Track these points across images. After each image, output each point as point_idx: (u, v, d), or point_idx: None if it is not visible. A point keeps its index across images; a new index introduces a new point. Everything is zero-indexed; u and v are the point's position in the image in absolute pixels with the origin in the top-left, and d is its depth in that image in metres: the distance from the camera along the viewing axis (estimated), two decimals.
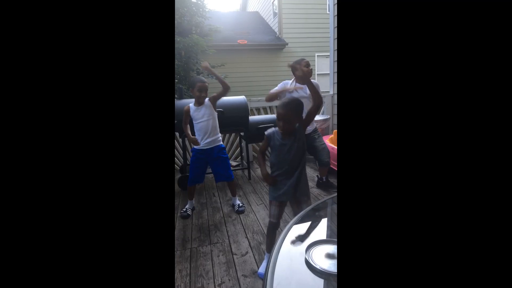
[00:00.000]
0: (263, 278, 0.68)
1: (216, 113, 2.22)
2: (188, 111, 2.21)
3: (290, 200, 1.50)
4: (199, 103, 2.17)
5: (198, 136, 2.21)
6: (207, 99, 2.19)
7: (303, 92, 2.33)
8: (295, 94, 2.31)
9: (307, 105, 2.34)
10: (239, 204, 2.41)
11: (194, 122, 2.20)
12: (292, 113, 1.36)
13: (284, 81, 2.43)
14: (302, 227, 0.95)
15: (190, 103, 2.26)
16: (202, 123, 2.17)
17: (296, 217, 0.97)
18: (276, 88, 2.38)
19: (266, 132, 1.50)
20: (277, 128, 1.45)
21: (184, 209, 2.35)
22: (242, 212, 2.36)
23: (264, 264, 1.65)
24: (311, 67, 2.25)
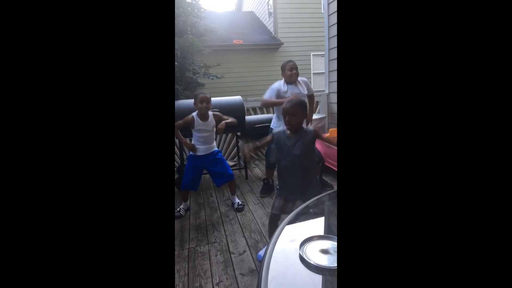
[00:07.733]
0: (259, 273, 0.69)
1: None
2: (192, 122, 2.15)
3: (298, 199, 1.54)
4: (204, 116, 2.16)
5: (198, 145, 2.22)
6: (210, 112, 2.20)
7: (300, 90, 2.35)
8: (289, 92, 2.33)
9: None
10: (238, 202, 2.44)
11: (196, 132, 2.20)
12: (299, 109, 1.48)
13: (274, 84, 2.44)
14: (298, 224, 0.97)
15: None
16: (206, 136, 2.21)
17: (291, 214, 0.99)
18: (269, 95, 2.40)
19: (274, 131, 1.61)
20: (285, 129, 1.53)
21: (178, 209, 2.35)
22: (241, 210, 2.38)
23: (263, 249, 1.68)
24: (295, 71, 2.30)
